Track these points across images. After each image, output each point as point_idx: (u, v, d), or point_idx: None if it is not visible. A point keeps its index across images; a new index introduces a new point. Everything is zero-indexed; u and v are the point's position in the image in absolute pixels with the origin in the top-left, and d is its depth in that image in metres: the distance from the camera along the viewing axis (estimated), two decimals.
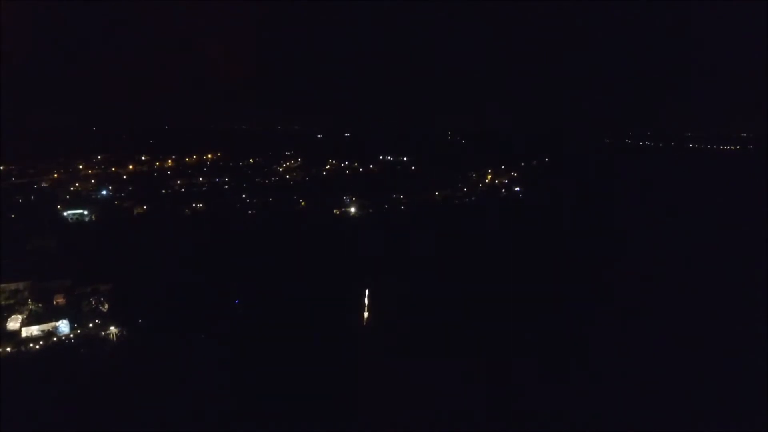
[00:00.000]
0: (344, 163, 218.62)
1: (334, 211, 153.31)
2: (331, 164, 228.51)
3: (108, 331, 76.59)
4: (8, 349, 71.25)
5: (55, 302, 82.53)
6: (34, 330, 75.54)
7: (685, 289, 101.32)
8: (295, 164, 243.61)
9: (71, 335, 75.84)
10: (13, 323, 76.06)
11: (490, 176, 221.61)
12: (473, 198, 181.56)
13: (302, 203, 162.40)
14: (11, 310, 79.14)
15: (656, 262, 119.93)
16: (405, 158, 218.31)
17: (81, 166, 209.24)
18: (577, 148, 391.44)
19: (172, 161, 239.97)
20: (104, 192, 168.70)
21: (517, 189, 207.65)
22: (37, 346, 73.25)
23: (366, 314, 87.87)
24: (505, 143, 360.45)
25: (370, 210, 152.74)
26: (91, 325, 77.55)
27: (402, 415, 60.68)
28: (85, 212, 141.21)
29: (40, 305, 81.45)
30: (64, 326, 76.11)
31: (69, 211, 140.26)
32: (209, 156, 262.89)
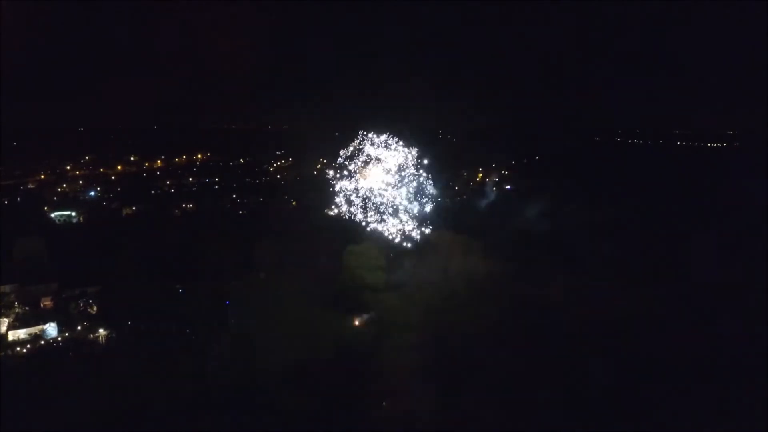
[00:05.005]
0: (335, 163, 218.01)
1: (326, 210, 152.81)
2: (323, 164, 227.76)
3: (96, 334, 75.86)
4: None
5: (42, 305, 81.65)
6: (21, 333, 74.73)
7: (682, 288, 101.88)
8: (286, 164, 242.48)
9: (59, 338, 74.99)
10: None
11: (481, 174, 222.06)
12: (464, 196, 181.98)
13: (293, 203, 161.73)
14: None
15: (650, 259, 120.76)
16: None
17: (68, 167, 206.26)
18: (567, 146, 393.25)
19: (161, 161, 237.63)
20: (92, 193, 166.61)
21: (509, 187, 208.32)
22: (24, 350, 72.37)
23: (360, 314, 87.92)
24: (496, 142, 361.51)
25: (363, 209, 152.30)
26: (79, 327, 76.82)
27: (399, 416, 60.89)
28: (73, 213, 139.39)
29: (26, 308, 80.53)
30: (51, 329, 75.33)
31: (56, 213, 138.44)
32: (199, 156, 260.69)
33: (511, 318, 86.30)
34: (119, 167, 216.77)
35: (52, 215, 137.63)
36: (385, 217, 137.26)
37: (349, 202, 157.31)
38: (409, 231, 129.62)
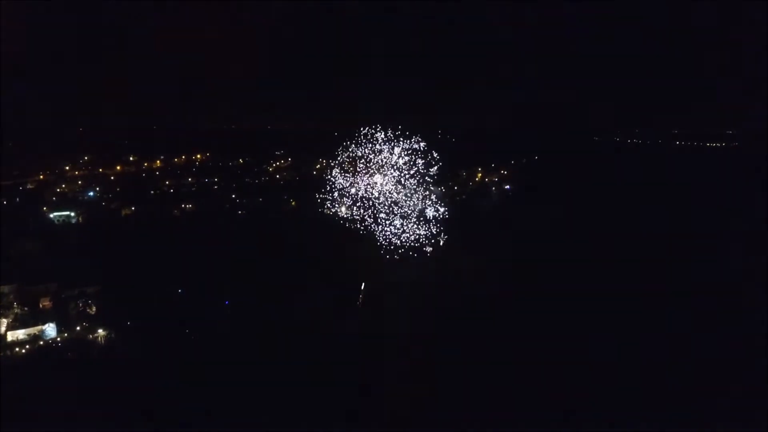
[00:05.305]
0: (334, 163, 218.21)
1: (325, 210, 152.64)
2: (322, 164, 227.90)
3: (96, 334, 75.73)
4: None
5: (41, 305, 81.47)
6: (20, 334, 74.55)
7: (681, 288, 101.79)
8: (285, 164, 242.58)
9: (58, 339, 74.85)
10: None
11: (480, 174, 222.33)
12: (463, 196, 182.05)
13: (293, 203, 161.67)
14: None
15: (648, 259, 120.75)
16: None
17: (67, 167, 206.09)
18: (566, 146, 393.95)
19: (160, 162, 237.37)
20: (91, 193, 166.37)
21: (507, 187, 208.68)
22: (23, 351, 72.23)
23: (359, 314, 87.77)
24: (495, 142, 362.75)
25: (362, 209, 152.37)
26: (78, 328, 76.66)
27: (397, 416, 60.78)
28: (72, 214, 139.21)
29: (26, 309, 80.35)
30: (50, 330, 75.18)
31: (55, 213, 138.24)
32: (198, 156, 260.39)
33: (510, 317, 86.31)
34: (118, 167, 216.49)
35: (51, 215, 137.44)
36: (384, 216, 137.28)
37: (348, 202, 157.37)
38: (408, 230, 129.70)
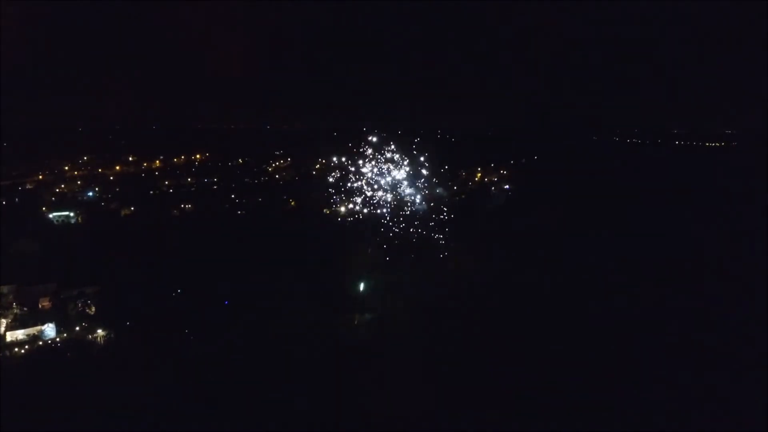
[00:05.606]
0: (333, 162, 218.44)
1: (324, 210, 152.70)
2: (321, 164, 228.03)
3: (95, 335, 75.64)
4: None
5: (40, 306, 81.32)
6: (19, 334, 74.46)
7: (680, 288, 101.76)
8: (285, 164, 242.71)
9: (57, 339, 74.77)
10: None
11: (479, 174, 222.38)
12: (463, 196, 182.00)
13: (292, 203, 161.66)
14: None
15: (648, 259, 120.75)
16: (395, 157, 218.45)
17: (66, 167, 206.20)
18: (566, 145, 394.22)
19: (159, 162, 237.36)
20: (90, 193, 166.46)
21: (507, 187, 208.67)
22: (22, 351, 72.14)
23: (359, 314, 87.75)
24: (494, 141, 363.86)
25: (362, 209, 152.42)
26: (77, 328, 76.55)
27: (397, 415, 60.70)
28: (71, 214, 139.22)
29: (25, 309, 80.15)
30: (50, 330, 75.10)
31: (54, 213, 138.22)
32: (198, 156, 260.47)
33: (510, 318, 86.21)
34: (118, 167, 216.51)
35: (51, 216, 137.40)
36: (384, 216, 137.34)
37: (348, 202, 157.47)
38: (408, 230, 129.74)
